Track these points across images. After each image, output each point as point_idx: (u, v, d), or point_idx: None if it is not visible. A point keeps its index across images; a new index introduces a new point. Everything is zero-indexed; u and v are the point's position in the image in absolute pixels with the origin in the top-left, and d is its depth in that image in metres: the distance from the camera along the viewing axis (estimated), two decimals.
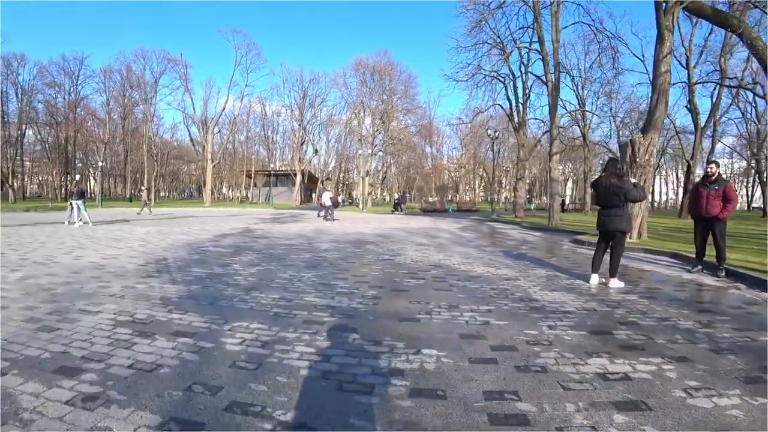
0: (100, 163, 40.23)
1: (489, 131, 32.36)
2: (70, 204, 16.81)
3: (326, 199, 21.41)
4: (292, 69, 73.97)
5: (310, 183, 62.01)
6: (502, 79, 27.48)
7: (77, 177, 17.57)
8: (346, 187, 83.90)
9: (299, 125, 51.74)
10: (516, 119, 28.02)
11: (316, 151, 56.08)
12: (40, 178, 70.89)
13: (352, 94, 47.79)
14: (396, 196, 31.51)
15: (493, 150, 34.04)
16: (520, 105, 27.96)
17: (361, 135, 45.32)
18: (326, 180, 59.37)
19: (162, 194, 71.98)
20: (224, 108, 47.82)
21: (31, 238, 11.94)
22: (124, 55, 68.49)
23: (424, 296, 4.82)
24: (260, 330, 3.48)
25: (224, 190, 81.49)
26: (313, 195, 57.76)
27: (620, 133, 39.73)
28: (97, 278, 5.77)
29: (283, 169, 63.55)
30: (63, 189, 55.73)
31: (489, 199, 62.47)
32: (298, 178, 49.51)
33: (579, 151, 41.30)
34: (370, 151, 42.27)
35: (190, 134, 61.27)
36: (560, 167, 39.55)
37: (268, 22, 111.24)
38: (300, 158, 52.62)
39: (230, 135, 52.88)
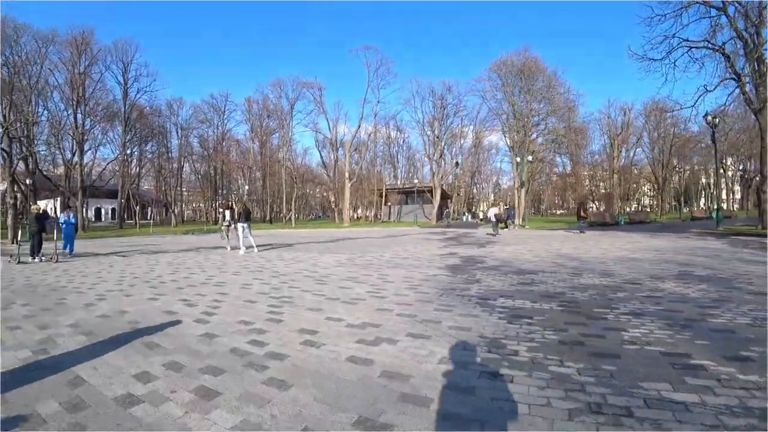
0: (246, 187, 40.23)
1: (709, 117, 23.96)
2: (227, 226, 13.72)
3: (491, 214, 21.22)
4: (422, 81, 70.96)
5: (441, 199, 57.10)
6: (718, 50, 20.51)
7: (244, 197, 14.29)
8: (470, 202, 77.86)
9: (437, 137, 47.28)
10: (755, 100, 20.28)
11: (457, 164, 51.04)
12: (194, 205, 77.37)
13: (494, 99, 42.02)
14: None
15: (714, 142, 25.31)
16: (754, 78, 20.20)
17: (513, 141, 39.02)
18: (456, 195, 54.11)
19: (294, 216, 73.44)
20: (359, 125, 45.56)
21: (217, 272, 8.80)
22: (262, 87, 73.10)
23: None
24: None
25: (351, 210, 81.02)
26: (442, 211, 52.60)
27: None
28: None
29: (408, 186, 59.95)
30: (213, 213, 60.02)
31: (662, 210, 51.31)
32: (438, 194, 44.80)
33: None
34: (530, 158, 35.73)
35: (321, 156, 61.40)
36: None
37: (397, 36, 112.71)
38: (435, 173, 47.97)
39: (365, 153, 50.49)
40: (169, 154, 55.80)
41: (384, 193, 57.37)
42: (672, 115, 26.52)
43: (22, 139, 29.36)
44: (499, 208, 26.12)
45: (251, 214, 13.27)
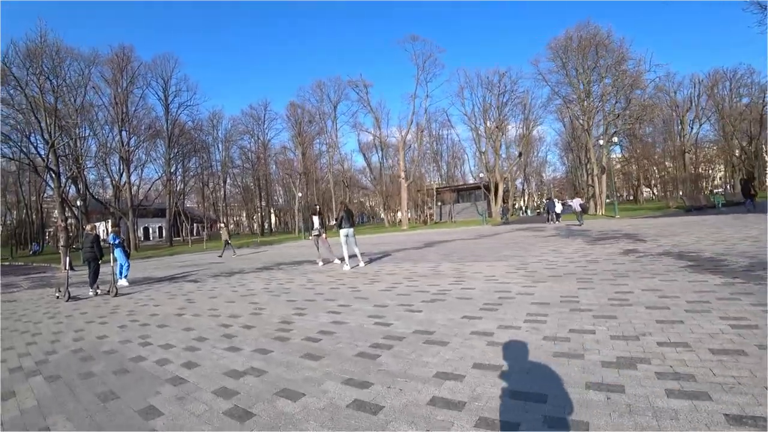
0: (299, 194, 37.78)
1: None
2: (317, 236, 11.35)
3: (575, 205, 20.92)
4: (469, 71, 66.87)
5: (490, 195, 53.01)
6: None
7: (316, 206, 11.11)
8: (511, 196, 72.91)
9: (497, 127, 43.31)
10: None
11: (519, 155, 46.82)
12: (236, 218, 76.46)
13: (557, 82, 37.74)
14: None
15: None
16: None
17: (588, 123, 34.59)
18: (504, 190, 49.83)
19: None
20: (411, 121, 42.32)
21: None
22: (303, 90, 71.71)
23: None
24: None
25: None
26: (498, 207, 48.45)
27: None
28: None
29: (460, 183, 56.19)
30: (255, 225, 58.58)
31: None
32: (501, 189, 40.70)
33: None
34: (615, 140, 31.30)
35: (365, 158, 58.50)
36: None
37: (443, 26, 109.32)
38: (490, 166, 44.02)
39: (420, 150, 47.10)
40: (212, 169, 54.65)
41: (434, 192, 53.85)
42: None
43: (69, 157, 28.06)
44: (571, 199, 23.94)
45: (354, 216, 10.18)
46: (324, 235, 11.55)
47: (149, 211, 48.90)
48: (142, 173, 46.47)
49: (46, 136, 22.56)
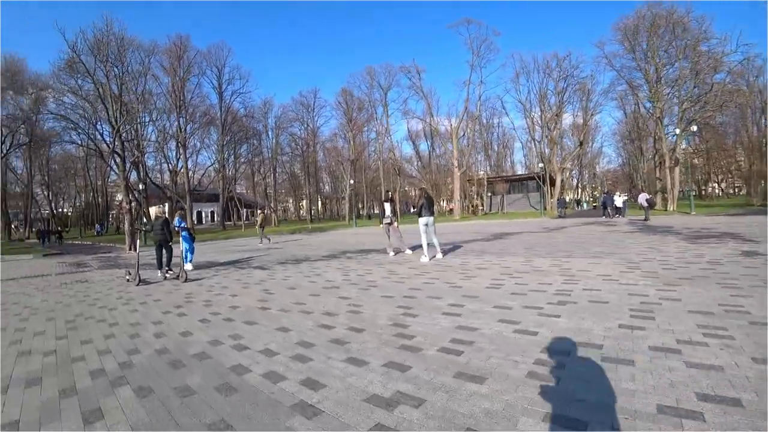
0: (351, 182, 37.30)
1: None
2: (389, 224, 10.47)
3: (642, 200, 19.90)
4: (525, 56, 63.71)
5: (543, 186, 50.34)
6: None
7: (387, 193, 10.11)
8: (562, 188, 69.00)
9: (556, 115, 40.80)
10: None
11: (581, 144, 43.98)
12: (283, 205, 77.68)
13: (622, 65, 34.69)
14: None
15: None
16: None
17: (659, 110, 31.57)
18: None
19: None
20: (465, 108, 40.61)
21: None
22: (353, 77, 71.43)
23: None
24: None
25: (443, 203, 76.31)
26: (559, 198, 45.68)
27: None
28: None
29: (512, 174, 53.79)
30: (302, 212, 59.16)
31: None
32: (559, 180, 38.29)
33: None
34: (694, 128, 28.36)
35: (415, 146, 57.26)
36: None
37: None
38: (545, 156, 41.50)
39: (472, 139, 45.27)
40: (262, 156, 55.37)
41: (485, 182, 51.86)
42: None
43: (132, 142, 28.96)
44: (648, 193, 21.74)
45: (434, 204, 9.23)
46: (396, 224, 10.70)
47: (203, 196, 50.32)
48: (196, 159, 47.82)
49: (112, 121, 23.07)
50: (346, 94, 50.15)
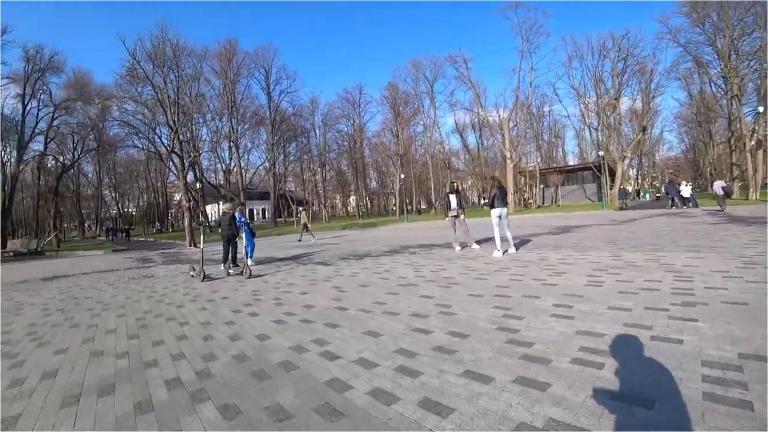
0: (402, 176, 36.79)
1: None
2: (455, 216, 9.73)
3: (718, 188, 18.39)
4: (578, 38, 60.26)
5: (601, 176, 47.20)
6: None
7: (453, 184, 9.32)
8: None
9: (615, 98, 38.05)
10: None
11: (644, 130, 40.90)
12: (330, 201, 78.59)
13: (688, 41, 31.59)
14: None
15: None
16: None
17: (738, 87, 28.48)
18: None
19: (421, 206, 69.24)
20: (516, 97, 38.80)
21: None
22: (398, 71, 70.98)
23: None
24: None
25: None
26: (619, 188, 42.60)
27: None
28: None
29: (566, 164, 51.00)
30: (349, 208, 59.40)
31: None
32: (620, 169, 35.68)
33: None
34: None
35: (462, 138, 55.78)
36: None
37: None
38: (601, 144, 38.74)
39: (523, 129, 43.30)
40: (310, 153, 56.05)
41: (538, 174, 49.51)
42: None
43: (188, 143, 30.02)
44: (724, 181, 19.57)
45: (507, 195, 8.45)
46: (462, 216, 9.98)
47: (254, 194, 51.72)
48: (248, 159, 49.12)
49: (170, 123, 23.84)
50: (392, 88, 49.59)
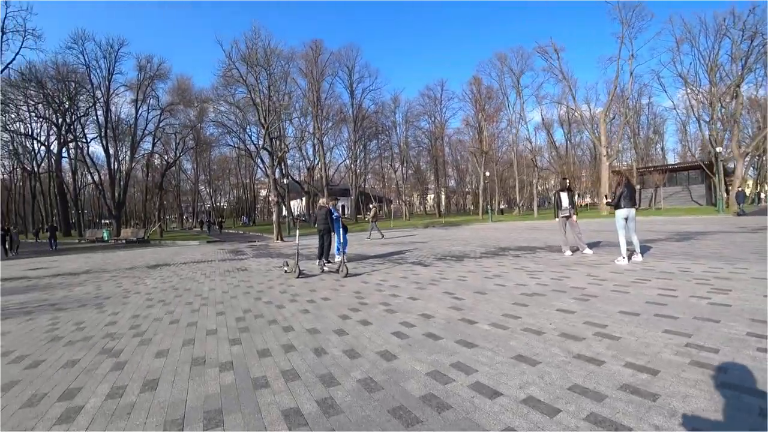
0: (486, 173, 35.14)
1: None
2: (566, 217, 8.67)
3: None
4: (687, 18, 53.67)
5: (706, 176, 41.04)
6: None
7: (565, 180, 7.78)
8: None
9: (737, 86, 32.80)
10: None
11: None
12: (408, 199, 78.14)
13: None
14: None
15: None
16: None
17: None
18: None
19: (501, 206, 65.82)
20: (615, 87, 35.12)
21: None
22: (482, 65, 68.87)
23: None
24: None
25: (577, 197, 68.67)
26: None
27: None
28: None
29: (668, 163, 45.28)
30: (427, 206, 58.36)
31: None
32: (740, 169, 30.65)
33: None
34: None
35: (549, 135, 52.16)
36: None
37: None
38: (714, 142, 33.44)
39: (622, 123, 39.27)
40: (391, 151, 55.95)
41: (635, 173, 44.53)
42: None
43: (278, 140, 31.16)
44: None
45: (635, 193, 7.03)
46: (574, 217, 8.65)
47: (335, 190, 52.75)
48: (331, 156, 50.22)
49: (262, 120, 24.63)
50: (476, 82, 47.61)
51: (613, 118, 37.28)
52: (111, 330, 4.38)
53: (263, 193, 67.14)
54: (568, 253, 8.42)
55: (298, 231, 8.24)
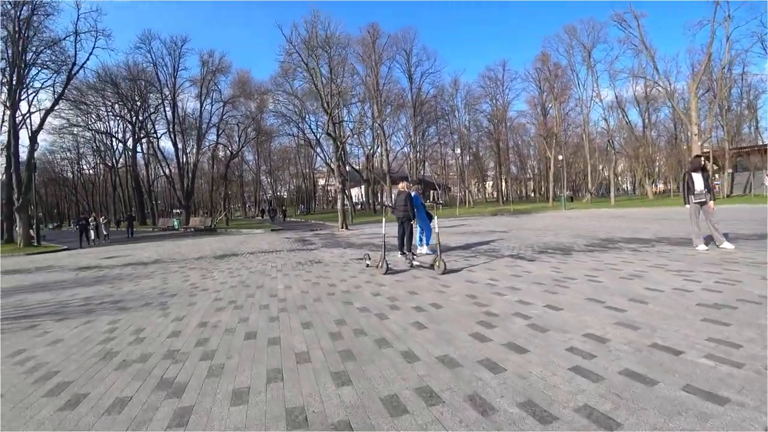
0: (560, 157, 32.42)
1: None
2: (700, 199, 6.09)
3: None
4: None
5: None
6: None
7: (699, 158, 5.68)
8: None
9: None
10: None
11: None
12: (468, 186, 75.34)
13: None
14: None
15: None
16: None
17: None
18: None
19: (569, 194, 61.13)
20: (709, 54, 30.63)
21: None
22: (548, 41, 64.21)
23: None
24: None
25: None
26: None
27: None
28: None
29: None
30: (487, 193, 55.52)
31: None
32: None
33: None
34: None
35: (624, 113, 47.34)
36: None
37: None
38: None
39: (719, 99, 34.47)
40: (451, 136, 53.68)
41: (727, 155, 38.98)
42: None
43: (341, 125, 30.55)
44: None
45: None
46: (711, 204, 6.77)
47: (394, 178, 51.53)
48: (390, 143, 49.03)
49: (325, 105, 23.84)
50: (544, 58, 44.05)
51: (706, 90, 32.60)
52: (174, 345, 3.40)
53: (321, 182, 67.58)
54: (702, 247, 6.64)
55: (384, 220, 7.05)
